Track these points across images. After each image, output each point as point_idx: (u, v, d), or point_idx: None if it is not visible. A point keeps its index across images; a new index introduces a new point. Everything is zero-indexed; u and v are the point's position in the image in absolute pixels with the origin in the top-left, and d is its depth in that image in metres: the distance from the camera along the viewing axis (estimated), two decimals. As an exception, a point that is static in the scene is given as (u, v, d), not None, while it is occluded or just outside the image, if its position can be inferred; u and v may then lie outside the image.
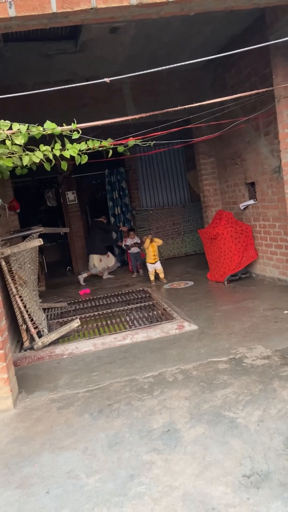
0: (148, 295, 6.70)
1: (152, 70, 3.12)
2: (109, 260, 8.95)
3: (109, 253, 9.01)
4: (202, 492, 2.16)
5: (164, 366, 3.81)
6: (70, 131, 3.47)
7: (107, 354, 4.33)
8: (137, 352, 4.26)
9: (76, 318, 5.34)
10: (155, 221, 10.11)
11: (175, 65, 3.11)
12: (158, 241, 7.70)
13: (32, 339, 4.73)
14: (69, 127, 3.42)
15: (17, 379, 3.68)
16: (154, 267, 7.63)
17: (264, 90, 4.45)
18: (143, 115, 3.65)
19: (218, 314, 5.24)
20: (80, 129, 3.55)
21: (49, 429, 2.97)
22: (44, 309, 6.24)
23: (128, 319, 5.49)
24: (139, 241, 8.56)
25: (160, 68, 3.15)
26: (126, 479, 2.34)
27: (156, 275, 7.66)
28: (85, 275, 8.66)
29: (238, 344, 4.08)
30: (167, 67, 3.14)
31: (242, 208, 6.93)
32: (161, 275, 7.60)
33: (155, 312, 5.62)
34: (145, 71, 3.09)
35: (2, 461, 2.67)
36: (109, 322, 5.48)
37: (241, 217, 7.02)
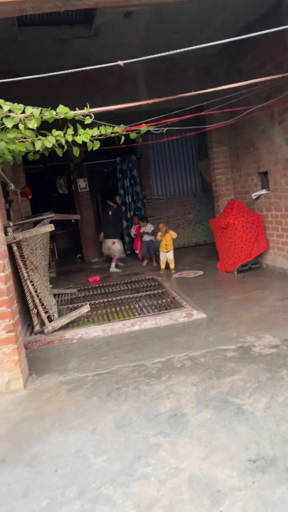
0: (157, 283, 6.72)
1: (166, 53, 3.08)
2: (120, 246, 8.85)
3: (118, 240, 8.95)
4: (208, 475, 2.19)
5: (172, 352, 3.84)
6: (83, 115, 3.46)
7: (116, 340, 4.37)
8: (146, 339, 4.30)
9: (86, 304, 5.38)
10: (166, 210, 10.07)
11: (189, 48, 3.07)
12: (173, 235, 7.63)
13: (42, 323, 4.79)
14: (81, 111, 3.42)
15: (27, 361, 3.75)
16: (166, 256, 7.62)
17: (279, 76, 4.38)
18: (157, 100, 3.63)
19: (227, 303, 5.24)
20: (92, 114, 3.54)
21: (58, 410, 3.03)
22: (54, 295, 6.31)
23: (137, 306, 5.52)
24: (152, 228, 8.46)
25: (174, 52, 3.11)
26: (133, 460, 2.38)
27: (167, 265, 7.66)
28: (115, 265, 8.53)
29: (247, 333, 4.09)
30: (181, 50, 3.10)
31: (254, 198, 6.88)
32: (171, 265, 7.60)
33: (164, 300, 5.64)
34: (159, 54, 3.06)
35: (13, 440, 2.73)
36: (118, 309, 5.52)
37: (253, 207, 6.97)
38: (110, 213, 8.68)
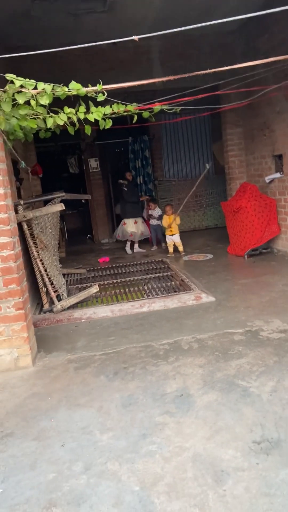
0: (166, 266, 6.71)
1: (183, 28, 2.99)
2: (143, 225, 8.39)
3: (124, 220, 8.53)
4: (212, 455, 2.21)
5: (180, 334, 3.85)
6: (96, 92, 3.40)
7: (124, 321, 4.39)
8: (154, 320, 4.31)
9: (95, 284, 5.40)
10: (177, 192, 9.95)
11: (206, 23, 2.97)
12: (177, 221, 7.56)
13: (51, 302, 4.83)
14: (94, 88, 3.36)
15: (36, 339, 3.79)
16: (172, 239, 7.58)
17: (298, 55, 4.24)
18: (171, 77, 3.54)
19: (236, 287, 5.22)
20: (105, 91, 3.47)
21: (66, 387, 3.07)
22: (63, 275, 6.34)
23: (146, 288, 5.53)
24: (160, 213, 8.35)
25: (191, 27, 3.02)
26: (138, 437, 2.41)
27: (175, 248, 7.62)
28: (129, 244, 8.29)
29: (255, 317, 4.08)
30: (198, 25, 3.00)
31: (267, 181, 6.78)
32: (180, 248, 7.55)
33: (173, 283, 5.64)
34: (175, 30, 2.97)
35: (21, 414, 2.78)
36: (127, 290, 5.54)
37: (266, 190, 6.87)
38: (125, 189, 8.25)
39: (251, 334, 3.68)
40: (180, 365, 3.24)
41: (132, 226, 8.28)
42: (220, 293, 4.98)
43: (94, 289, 5.07)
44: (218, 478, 2.04)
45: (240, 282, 5.41)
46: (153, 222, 8.29)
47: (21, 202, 4.62)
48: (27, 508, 1.98)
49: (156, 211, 8.26)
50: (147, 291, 5.34)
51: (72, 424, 2.61)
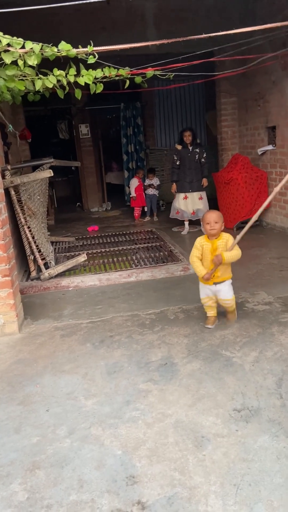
0: (155, 236, 6.69)
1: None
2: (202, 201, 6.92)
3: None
4: (193, 421, 2.27)
5: (167, 304, 3.88)
6: (86, 54, 3.27)
7: (112, 290, 4.40)
8: (141, 290, 4.33)
9: (83, 253, 5.38)
10: (168, 162, 9.80)
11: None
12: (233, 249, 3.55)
13: (39, 270, 4.81)
14: (84, 49, 3.22)
15: (23, 306, 3.79)
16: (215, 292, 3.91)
17: (297, 22, 4.10)
18: (165, 41, 3.42)
19: (224, 259, 5.24)
20: (96, 54, 3.34)
21: (51, 354, 3.10)
22: (52, 242, 6.29)
23: (134, 258, 5.52)
24: (158, 182, 8.16)
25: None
26: (122, 404, 2.47)
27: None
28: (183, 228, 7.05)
29: (242, 289, 4.12)
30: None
31: (259, 153, 6.71)
32: (230, 313, 3.88)
33: (161, 253, 5.64)
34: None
35: (6, 379, 2.81)
36: (115, 259, 5.53)
37: (258, 163, 6.81)
38: (175, 158, 6.79)
39: (237, 305, 3.72)
40: (166, 334, 3.28)
41: (180, 202, 6.85)
42: (208, 264, 5.00)
43: (82, 257, 5.06)
44: (199, 443, 2.10)
45: (228, 254, 5.43)
46: (150, 192, 8.16)
47: (9, 167, 4.51)
48: (11, 469, 2.03)
49: (155, 180, 8.15)
50: (135, 261, 5.34)
51: (57, 390, 2.65)
